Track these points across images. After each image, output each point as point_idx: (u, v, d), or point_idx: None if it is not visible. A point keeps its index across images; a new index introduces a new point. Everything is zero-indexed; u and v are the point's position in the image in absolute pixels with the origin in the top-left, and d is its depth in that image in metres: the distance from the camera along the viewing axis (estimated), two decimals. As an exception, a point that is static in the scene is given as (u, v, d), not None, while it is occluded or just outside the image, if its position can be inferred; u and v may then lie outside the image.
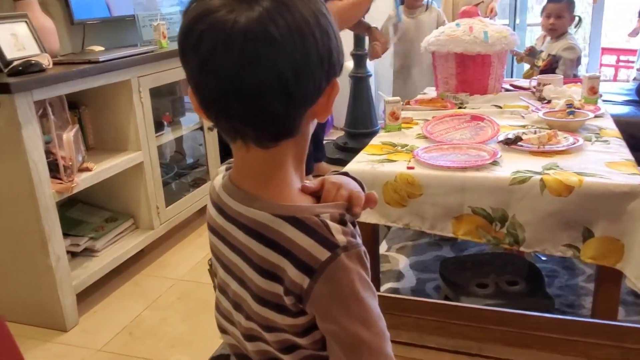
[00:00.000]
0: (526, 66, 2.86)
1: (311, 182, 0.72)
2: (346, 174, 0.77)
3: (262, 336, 0.69)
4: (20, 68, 1.76)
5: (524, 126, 1.76)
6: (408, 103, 2.11)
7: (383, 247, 2.30)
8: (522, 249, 1.41)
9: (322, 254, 0.62)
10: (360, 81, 3.61)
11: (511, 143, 1.56)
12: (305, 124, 0.65)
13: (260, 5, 0.57)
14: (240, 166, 0.68)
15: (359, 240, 0.66)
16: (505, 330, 1.18)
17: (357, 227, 0.69)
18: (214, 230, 0.73)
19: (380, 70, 3.97)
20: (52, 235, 1.81)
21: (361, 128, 3.65)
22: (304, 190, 0.69)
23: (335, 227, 0.63)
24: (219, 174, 0.75)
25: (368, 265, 0.66)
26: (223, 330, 0.78)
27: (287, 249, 0.63)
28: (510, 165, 1.44)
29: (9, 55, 1.85)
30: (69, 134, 1.94)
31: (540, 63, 2.51)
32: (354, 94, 3.63)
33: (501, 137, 1.61)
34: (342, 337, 0.63)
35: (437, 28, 2.63)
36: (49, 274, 1.82)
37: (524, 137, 1.58)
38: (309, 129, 0.67)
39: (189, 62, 0.60)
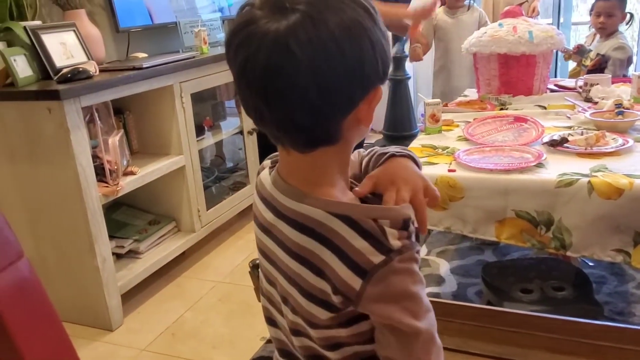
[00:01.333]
0: (571, 65, 2.78)
1: (362, 185, 0.71)
2: (393, 155, 0.74)
3: (306, 332, 0.70)
4: (69, 75, 1.82)
5: (570, 127, 1.71)
6: (446, 105, 2.08)
7: (423, 251, 2.28)
8: (568, 253, 1.36)
9: (376, 257, 0.62)
10: (399, 84, 3.59)
11: (557, 145, 1.51)
12: (348, 131, 0.65)
13: (288, 19, 0.58)
14: (285, 164, 0.70)
15: (414, 239, 0.65)
16: (552, 337, 1.15)
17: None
18: (261, 225, 0.74)
19: (419, 72, 3.93)
20: (99, 237, 1.86)
21: (400, 131, 3.63)
22: (357, 195, 0.69)
23: (392, 233, 0.63)
24: (264, 168, 0.76)
25: (419, 259, 0.66)
26: (271, 322, 0.79)
27: (340, 248, 0.63)
28: (556, 168, 1.40)
29: (59, 63, 1.92)
30: (115, 139, 1.99)
31: (588, 62, 2.43)
32: (392, 96, 3.61)
33: (546, 139, 1.56)
34: (397, 328, 0.64)
35: (479, 29, 2.60)
36: (96, 275, 1.88)
37: (570, 138, 1.54)
38: (352, 135, 0.67)
39: (232, 69, 0.63)
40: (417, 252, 0.65)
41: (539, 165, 1.41)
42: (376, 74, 0.63)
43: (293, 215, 0.67)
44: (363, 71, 0.61)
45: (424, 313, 0.65)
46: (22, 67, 1.84)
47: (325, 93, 0.59)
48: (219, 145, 2.95)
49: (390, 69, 3.53)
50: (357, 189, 0.70)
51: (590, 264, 2.02)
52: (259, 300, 0.87)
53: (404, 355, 0.65)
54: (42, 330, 0.43)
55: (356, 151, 0.82)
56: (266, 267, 0.75)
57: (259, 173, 0.78)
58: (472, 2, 2.78)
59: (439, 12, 2.90)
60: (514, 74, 2.02)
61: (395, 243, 0.62)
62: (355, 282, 0.62)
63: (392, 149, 0.76)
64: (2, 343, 0.41)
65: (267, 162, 0.77)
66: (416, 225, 0.68)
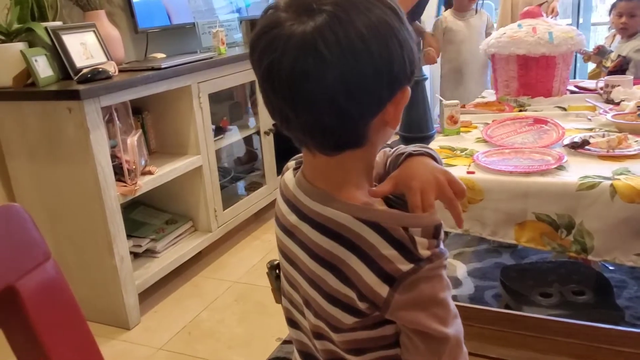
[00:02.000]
0: (591, 66, 2.74)
1: (381, 185, 0.70)
2: (410, 154, 0.73)
3: (329, 336, 0.69)
4: (88, 75, 1.84)
5: (591, 129, 1.68)
6: (464, 107, 2.06)
7: (440, 253, 2.26)
8: (590, 257, 1.35)
9: (405, 265, 0.61)
10: (415, 85, 3.56)
11: (578, 147, 1.49)
12: (374, 133, 0.64)
13: (315, 20, 0.57)
14: (311, 167, 0.69)
15: (442, 245, 0.65)
16: (572, 342, 1.13)
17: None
18: (283, 227, 0.73)
19: (436, 74, 3.91)
20: (117, 237, 1.88)
21: (417, 132, 3.60)
22: (374, 195, 0.68)
23: (422, 243, 0.62)
24: (288, 169, 0.75)
25: (447, 265, 0.65)
26: (292, 324, 0.79)
27: (368, 254, 0.62)
28: (578, 170, 1.38)
29: (79, 63, 1.94)
30: (133, 139, 2.01)
31: (608, 64, 2.39)
32: (409, 97, 3.59)
33: (567, 141, 1.54)
34: (426, 334, 0.63)
35: (486, 32, 2.58)
36: (114, 274, 1.89)
37: (591, 140, 1.52)
38: (379, 137, 0.66)
39: (256, 73, 0.63)
40: (446, 258, 0.64)
41: (560, 167, 1.40)
42: (404, 74, 0.62)
43: (318, 219, 0.66)
44: (391, 71, 0.60)
45: (452, 319, 0.65)
46: (43, 67, 1.86)
47: (354, 94, 0.59)
48: (235, 145, 2.96)
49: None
50: (374, 189, 0.69)
51: (611, 268, 1.99)
52: (277, 302, 0.87)
53: None
54: (69, 331, 0.44)
55: (381, 151, 0.82)
56: (287, 269, 0.74)
57: (282, 174, 0.77)
58: (480, 6, 2.79)
59: (447, 15, 2.89)
60: (533, 75, 2.00)
61: (424, 253, 0.62)
62: (383, 290, 0.62)
63: (411, 148, 0.75)
64: (30, 344, 0.41)
65: (291, 164, 0.76)
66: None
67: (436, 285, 0.63)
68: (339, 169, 0.66)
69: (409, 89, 0.64)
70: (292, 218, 0.70)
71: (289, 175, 0.74)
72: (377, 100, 0.61)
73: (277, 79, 0.59)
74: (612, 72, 2.34)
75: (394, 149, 0.80)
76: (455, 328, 0.65)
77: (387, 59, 0.59)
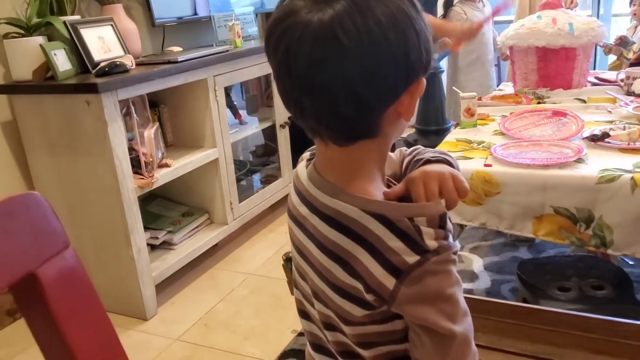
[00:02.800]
0: (612, 57, 2.69)
1: (395, 187, 0.70)
2: (428, 161, 0.73)
3: (340, 327, 0.69)
4: (106, 69, 1.86)
5: (611, 122, 1.66)
6: (480, 99, 2.04)
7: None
8: (609, 251, 1.33)
9: (411, 257, 0.61)
10: (431, 77, 3.54)
11: (598, 139, 1.47)
12: (388, 124, 0.64)
13: (333, 8, 0.57)
14: (323, 159, 0.69)
15: (451, 239, 0.64)
16: (590, 337, 1.12)
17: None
18: (294, 218, 0.73)
19: (452, 66, 3.87)
20: (134, 228, 1.90)
21: (432, 125, 3.59)
22: (388, 196, 0.67)
23: (428, 233, 0.62)
24: (302, 160, 0.76)
25: (457, 261, 0.64)
26: (304, 315, 0.79)
27: (375, 247, 0.62)
28: (597, 163, 1.36)
29: (97, 57, 1.95)
30: (150, 132, 2.02)
31: (630, 55, 2.35)
32: (424, 90, 3.56)
33: (586, 134, 1.52)
34: (432, 331, 0.63)
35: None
36: (131, 265, 1.91)
37: (611, 133, 1.49)
38: (392, 129, 0.66)
39: (271, 62, 0.63)
40: (455, 253, 0.63)
41: (579, 160, 1.38)
42: (420, 64, 0.62)
43: (327, 211, 0.66)
44: (408, 60, 0.60)
45: (461, 317, 0.64)
46: (61, 61, 1.88)
47: (370, 83, 0.58)
48: (251, 138, 2.97)
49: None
50: (388, 190, 0.69)
51: (630, 262, 1.96)
52: (292, 294, 0.87)
53: (437, 358, 0.64)
54: (88, 319, 0.44)
55: (398, 150, 0.82)
56: (298, 260, 0.75)
57: (297, 165, 0.77)
58: None
59: (462, 6, 2.86)
60: (552, 67, 1.96)
61: (431, 243, 0.61)
62: (389, 282, 0.61)
63: (429, 153, 0.75)
64: (50, 330, 0.42)
65: (306, 155, 0.76)
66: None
67: (444, 280, 0.62)
68: (350, 161, 0.66)
69: (424, 80, 0.63)
70: (303, 209, 0.71)
71: (301, 167, 0.74)
72: (392, 89, 0.61)
73: (294, 65, 0.59)
74: (633, 64, 2.30)
75: (411, 150, 0.80)
76: (464, 326, 0.63)
77: (404, 48, 0.59)
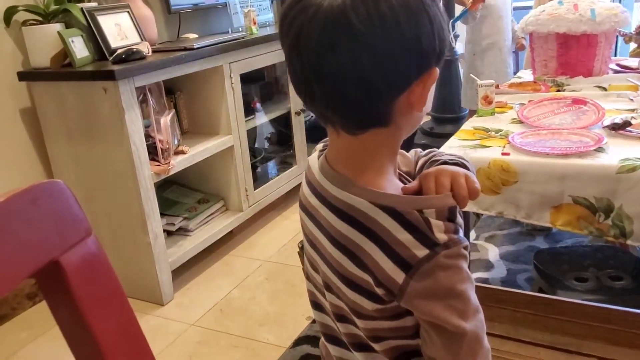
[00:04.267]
0: (633, 45, 2.63)
1: (411, 183, 0.69)
2: (445, 162, 0.73)
3: (351, 319, 0.69)
4: (123, 56, 1.86)
5: (632, 110, 1.63)
6: (498, 87, 2.01)
7: (471, 236, 2.24)
8: (628, 242, 1.31)
9: (421, 250, 0.60)
10: (447, 64, 3.50)
11: (618, 128, 1.45)
12: (399, 114, 0.63)
13: None
14: (334, 149, 0.68)
15: (461, 233, 0.63)
16: (609, 328, 1.11)
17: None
18: (305, 208, 0.73)
19: (469, 52, 3.82)
20: (151, 215, 1.92)
21: (448, 113, 3.55)
22: (405, 192, 0.67)
23: (437, 225, 0.61)
24: (315, 151, 0.75)
25: (468, 257, 0.63)
26: (316, 307, 0.79)
27: (383, 240, 0.62)
28: (618, 152, 1.33)
29: (113, 44, 1.96)
30: (166, 119, 2.03)
31: (651, 44, 2.30)
32: (441, 77, 3.50)
33: (607, 122, 1.49)
34: (442, 328, 0.62)
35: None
36: (148, 251, 1.93)
37: (633, 121, 1.46)
38: (405, 120, 0.64)
39: (283, 46, 0.62)
40: (466, 248, 0.62)
41: (599, 149, 1.36)
42: (433, 52, 0.60)
43: (337, 203, 0.65)
44: (420, 47, 0.59)
45: (471, 314, 0.62)
46: (79, 48, 1.89)
47: (380, 68, 0.58)
48: (266, 125, 2.97)
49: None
50: (405, 186, 0.68)
51: (649, 253, 1.93)
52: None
53: (448, 356, 0.63)
54: (111, 305, 0.45)
55: (413, 150, 0.81)
56: (309, 251, 0.74)
57: (310, 155, 0.77)
58: None
59: None
60: (573, 54, 1.93)
61: (441, 236, 0.60)
62: (399, 276, 0.61)
63: (446, 156, 0.74)
64: (74, 317, 0.43)
65: (319, 146, 0.76)
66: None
67: (454, 276, 0.61)
68: (361, 151, 0.65)
69: (437, 69, 0.62)
70: (313, 200, 0.70)
71: (313, 157, 0.74)
72: (403, 76, 0.60)
73: (305, 48, 0.58)
74: None
75: (427, 152, 0.79)
76: (475, 323, 0.62)
77: (416, 34, 0.58)
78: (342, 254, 0.65)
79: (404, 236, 0.60)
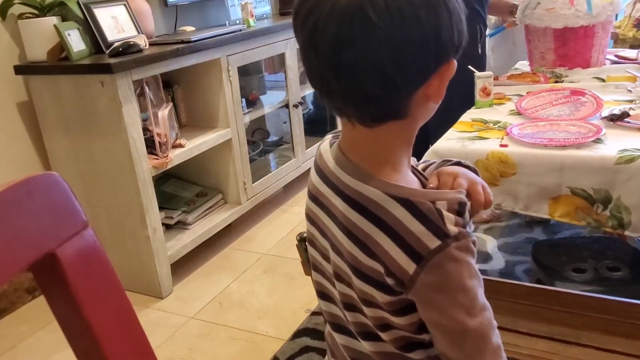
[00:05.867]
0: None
1: (429, 180, 0.70)
2: (459, 162, 0.74)
3: (360, 307, 0.69)
4: (120, 49, 1.85)
5: (631, 101, 1.62)
6: (497, 79, 2.01)
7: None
8: (626, 233, 1.31)
9: (432, 241, 0.60)
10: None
11: (617, 119, 1.45)
12: (416, 106, 0.63)
13: None
14: (348, 140, 0.68)
15: (470, 229, 0.63)
16: (606, 318, 1.11)
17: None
18: (314, 197, 0.73)
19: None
20: (149, 208, 1.91)
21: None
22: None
23: (449, 217, 0.61)
24: (324, 141, 0.75)
25: (476, 253, 0.64)
26: (323, 296, 0.79)
27: (395, 231, 0.62)
28: (616, 144, 1.33)
29: (110, 37, 1.95)
30: (164, 112, 2.03)
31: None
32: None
33: (605, 113, 1.49)
34: (447, 325, 0.62)
35: None
36: (147, 244, 1.94)
37: (631, 112, 1.46)
38: (421, 111, 0.64)
39: (298, 39, 0.62)
40: (474, 243, 0.63)
41: (598, 140, 1.36)
42: (451, 45, 0.60)
43: (350, 193, 0.66)
44: (439, 40, 0.58)
45: (478, 311, 0.62)
46: (75, 41, 1.88)
47: (399, 62, 0.57)
48: (264, 118, 2.96)
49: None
50: (426, 182, 0.70)
51: (647, 244, 1.94)
52: (306, 274, 0.87)
53: (454, 352, 0.63)
54: (108, 298, 0.45)
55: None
56: (319, 240, 0.74)
57: (320, 143, 0.76)
58: None
59: None
60: (571, 46, 1.92)
61: (452, 229, 0.60)
62: (410, 267, 0.61)
63: (455, 160, 0.76)
64: (71, 310, 0.43)
65: (329, 136, 0.76)
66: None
67: (464, 271, 0.61)
68: (376, 143, 0.65)
69: (455, 62, 0.62)
70: (324, 189, 0.70)
71: (325, 146, 0.74)
72: (422, 70, 0.60)
73: (321, 43, 0.58)
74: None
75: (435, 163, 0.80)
76: (480, 321, 0.62)
77: (435, 27, 0.57)
78: (353, 244, 0.65)
79: (416, 227, 0.61)
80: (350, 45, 0.56)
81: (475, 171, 0.74)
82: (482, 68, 2.04)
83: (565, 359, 1.09)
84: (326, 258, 0.74)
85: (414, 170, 0.72)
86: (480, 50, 2.22)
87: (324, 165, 0.71)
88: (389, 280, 0.63)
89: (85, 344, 0.45)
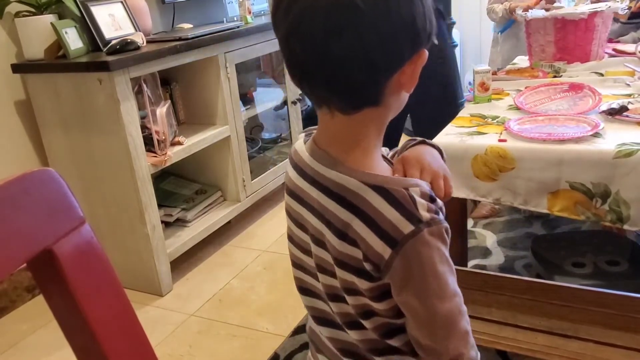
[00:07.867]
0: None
1: (395, 167, 0.72)
2: (424, 141, 0.77)
3: (344, 297, 0.70)
4: (117, 47, 1.85)
5: (629, 95, 1.62)
6: (495, 73, 2.01)
7: (469, 223, 2.24)
8: (625, 227, 1.31)
9: (406, 227, 0.62)
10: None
11: (615, 113, 1.44)
12: (390, 94, 0.65)
13: None
14: (325, 132, 0.70)
15: (442, 216, 0.65)
16: (605, 312, 1.11)
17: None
18: (292, 192, 0.75)
19: (467, 41, 3.81)
20: (148, 206, 1.91)
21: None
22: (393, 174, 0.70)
23: (421, 203, 0.63)
24: (299, 139, 0.77)
25: (448, 241, 0.65)
26: (304, 291, 0.80)
27: (371, 217, 0.63)
28: (615, 138, 1.33)
29: (108, 35, 1.95)
30: (162, 109, 2.02)
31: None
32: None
33: (604, 107, 1.49)
34: (417, 309, 0.64)
35: None
36: (146, 242, 1.93)
37: (630, 106, 1.46)
38: (393, 100, 0.66)
39: (279, 29, 0.62)
40: (447, 231, 0.64)
41: (596, 135, 1.35)
42: (424, 32, 0.63)
43: (326, 182, 0.67)
44: (415, 27, 0.61)
45: (448, 296, 0.65)
46: (73, 39, 1.87)
47: (383, 48, 0.59)
48: (263, 115, 2.96)
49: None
50: (393, 169, 0.72)
51: (646, 238, 1.94)
52: None
53: (424, 336, 0.66)
54: (106, 295, 0.45)
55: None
56: (298, 235, 0.76)
57: (294, 144, 0.79)
58: None
59: None
60: (571, 39, 1.92)
61: (424, 214, 0.63)
62: (385, 251, 0.63)
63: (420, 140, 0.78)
64: (69, 307, 0.42)
65: (302, 134, 0.78)
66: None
67: (435, 256, 0.63)
68: (352, 132, 0.67)
69: (426, 51, 0.64)
70: (301, 183, 0.72)
71: (299, 143, 0.76)
72: (400, 55, 0.62)
73: (308, 34, 0.59)
74: (635, 13, 2.23)
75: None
76: (449, 306, 0.65)
77: (410, 12, 0.60)
78: (332, 233, 0.67)
79: (391, 213, 0.63)
80: (339, 34, 0.58)
81: (440, 151, 0.76)
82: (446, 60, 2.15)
83: (565, 353, 1.09)
84: (306, 252, 0.75)
85: (385, 158, 0.74)
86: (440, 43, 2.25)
87: (300, 159, 0.73)
88: (367, 266, 0.64)
89: (84, 341, 0.45)
